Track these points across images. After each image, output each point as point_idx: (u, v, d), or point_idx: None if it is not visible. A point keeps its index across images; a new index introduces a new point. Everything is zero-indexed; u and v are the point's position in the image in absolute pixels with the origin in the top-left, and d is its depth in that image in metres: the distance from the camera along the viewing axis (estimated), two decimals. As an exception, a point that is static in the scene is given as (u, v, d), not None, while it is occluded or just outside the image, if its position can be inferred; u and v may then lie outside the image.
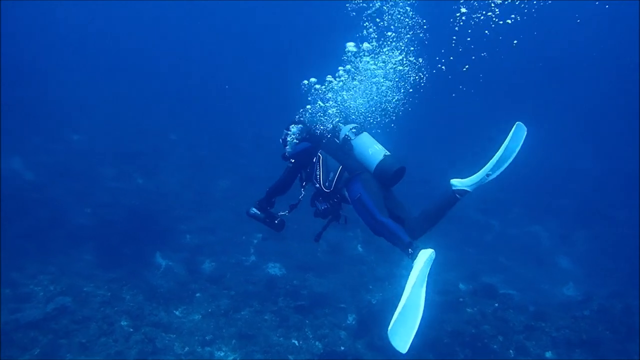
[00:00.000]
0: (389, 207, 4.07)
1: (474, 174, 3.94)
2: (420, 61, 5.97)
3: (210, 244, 13.01)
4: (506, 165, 3.84)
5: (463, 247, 14.23)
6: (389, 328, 3.09)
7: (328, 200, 4.31)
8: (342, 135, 4.42)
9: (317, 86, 5.39)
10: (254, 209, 4.57)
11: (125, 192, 14.43)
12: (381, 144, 4.29)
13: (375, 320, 10.51)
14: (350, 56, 5.67)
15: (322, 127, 4.72)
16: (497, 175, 3.95)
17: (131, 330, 9.16)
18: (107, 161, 16.00)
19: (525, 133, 3.71)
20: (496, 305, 10.92)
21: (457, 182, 3.93)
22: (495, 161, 3.77)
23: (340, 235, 13.64)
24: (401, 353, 3.04)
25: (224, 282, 11.48)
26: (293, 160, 4.46)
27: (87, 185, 14.27)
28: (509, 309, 10.88)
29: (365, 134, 4.34)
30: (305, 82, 5.39)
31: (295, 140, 4.74)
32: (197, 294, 10.90)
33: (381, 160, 4.07)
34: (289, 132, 4.83)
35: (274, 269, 12.40)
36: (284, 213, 4.62)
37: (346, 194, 4.19)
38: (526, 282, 13.14)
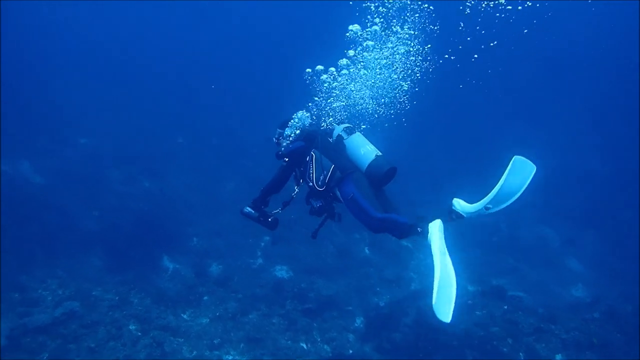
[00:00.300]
0: (381, 206, 4.09)
1: (476, 201, 3.71)
2: (429, 46, 5.92)
3: (217, 247, 13.00)
4: (510, 201, 3.56)
5: (471, 248, 14.14)
6: (433, 303, 3.12)
7: (321, 198, 4.37)
8: (335, 135, 4.45)
9: (324, 76, 5.38)
10: (247, 207, 4.63)
11: (132, 196, 14.43)
12: (374, 144, 4.32)
13: (383, 323, 10.49)
14: (355, 38, 5.63)
15: (315, 126, 4.75)
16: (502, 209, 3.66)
17: (139, 334, 9.17)
18: (115, 165, 16.01)
19: (534, 171, 3.39)
20: (505, 307, 10.85)
21: (456, 204, 3.75)
22: (493, 196, 3.50)
23: (347, 237, 13.62)
24: (445, 323, 3.10)
25: (232, 285, 11.48)
26: (287, 159, 4.50)
27: (94, 189, 14.28)
28: (518, 311, 10.80)
29: (358, 133, 4.38)
30: (309, 70, 5.38)
31: (297, 131, 4.77)
32: (205, 297, 10.91)
33: (373, 161, 4.10)
34: (282, 131, 4.88)
35: (281, 271, 12.38)
36: (278, 211, 4.66)
37: (338, 193, 4.22)
38: (535, 283, 13.03)
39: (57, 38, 33.59)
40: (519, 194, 3.49)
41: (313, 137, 4.54)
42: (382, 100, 5.64)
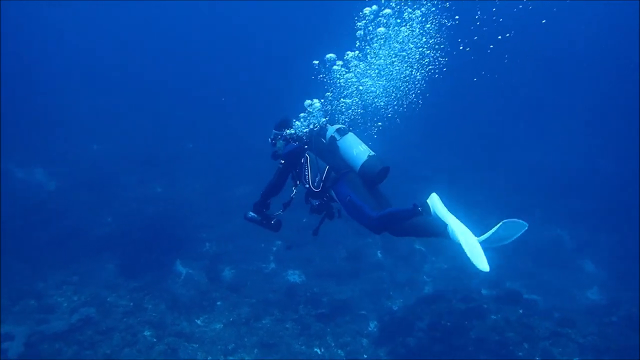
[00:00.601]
0: (378, 205, 4.14)
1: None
2: (447, 24, 5.79)
3: (229, 252, 13.03)
4: (498, 245, 3.66)
5: (484, 251, 14.01)
6: (469, 258, 3.33)
7: (319, 198, 4.44)
8: (328, 136, 4.50)
9: (338, 65, 5.31)
10: (250, 212, 4.71)
11: (145, 201, 14.53)
12: (367, 144, 4.37)
13: (397, 327, 10.43)
14: (368, 22, 5.52)
15: (309, 128, 4.75)
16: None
17: (154, 340, 9.20)
18: (127, 170, 16.13)
19: (525, 228, 3.44)
20: (520, 311, 10.72)
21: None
22: (480, 241, 3.55)
23: (360, 241, 13.56)
24: (486, 272, 3.30)
25: (245, 290, 11.50)
26: (283, 161, 4.56)
27: (107, 195, 14.41)
28: (534, 314, 10.66)
29: (350, 134, 4.42)
30: (316, 62, 5.33)
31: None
32: (218, 303, 10.93)
33: (366, 161, 4.16)
34: (278, 133, 4.90)
35: (294, 276, 12.38)
36: (279, 213, 4.72)
37: (333, 194, 4.28)
38: (550, 286, 12.90)
39: (65, 42, 33.83)
40: (508, 242, 3.57)
41: (307, 139, 4.61)
42: (395, 94, 5.57)
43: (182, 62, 33.55)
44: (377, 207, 3.98)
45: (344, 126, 4.56)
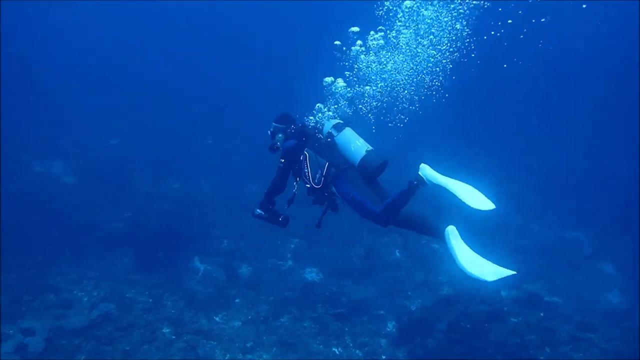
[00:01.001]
0: (379, 198, 4.18)
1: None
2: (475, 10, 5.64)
3: (246, 249, 13.01)
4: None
5: (501, 252, 13.83)
6: (471, 204, 3.45)
7: (320, 194, 4.47)
8: (325, 132, 4.50)
9: (362, 51, 5.18)
10: (258, 210, 4.75)
11: (161, 197, 14.53)
12: (364, 138, 4.37)
13: (415, 327, 10.34)
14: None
15: (308, 124, 4.74)
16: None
17: (173, 337, 9.18)
18: (144, 165, 16.14)
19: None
20: (542, 314, 10.57)
21: (449, 231, 3.70)
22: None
23: (377, 240, 13.47)
24: (493, 208, 3.44)
25: (262, 288, 11.46)
26: (283, 160, 4.57)
27: (124, 190, 14.44)
28: (555, 318, 10.50)
29: (348, 129, 4.42)
30: (337, 43, 5.24)
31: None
32: (236, 300, 10.91)
33: (364, 156, 4.17)
34: (277, 125, 4.88)
35: (311, 274, 12.32)
36: (285, 209, 4.75)
37: (334, 190, 4.31)
38: (570, 289, 12.74)
39: (65, 42, 33.99)
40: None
41: (305, 135, 4.60)
42: (422, 77, 5.44)
43: (182, 62, 33.55)
44: (379, 201, 4.02)
45: (341, 121, 4.56)
